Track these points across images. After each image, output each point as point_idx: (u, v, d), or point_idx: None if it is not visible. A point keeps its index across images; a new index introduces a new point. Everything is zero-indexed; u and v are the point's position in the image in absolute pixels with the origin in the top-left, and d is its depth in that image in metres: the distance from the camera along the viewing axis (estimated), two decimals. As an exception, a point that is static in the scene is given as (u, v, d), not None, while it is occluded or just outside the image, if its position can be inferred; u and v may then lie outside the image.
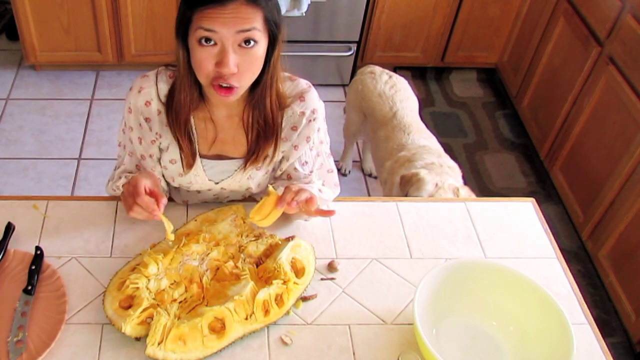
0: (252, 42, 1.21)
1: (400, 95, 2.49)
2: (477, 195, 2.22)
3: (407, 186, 2.16)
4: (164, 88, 1.36)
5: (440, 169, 2.19)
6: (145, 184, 1.32)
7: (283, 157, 1.47)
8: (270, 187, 1.37)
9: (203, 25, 1.18)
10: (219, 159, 1.45)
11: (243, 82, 1.26)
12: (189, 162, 1.42)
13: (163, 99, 1.36)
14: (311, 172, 1.51)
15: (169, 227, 1.34)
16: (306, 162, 1.49)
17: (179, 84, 1.32)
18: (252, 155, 1.42)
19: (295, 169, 1.48)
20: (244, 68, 1.23)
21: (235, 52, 1.20)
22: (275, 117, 1.38)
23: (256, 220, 1.35)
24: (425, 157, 2.26)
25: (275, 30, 1.24)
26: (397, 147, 2.35)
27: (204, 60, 1.22)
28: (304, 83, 1.43)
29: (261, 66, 1.27)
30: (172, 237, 1.35)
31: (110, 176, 1.54)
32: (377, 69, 2.61)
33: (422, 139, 2.36)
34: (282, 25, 1.26)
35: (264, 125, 1.38)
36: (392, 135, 2.39)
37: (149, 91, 1.36)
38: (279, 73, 1.34)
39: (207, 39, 1.19)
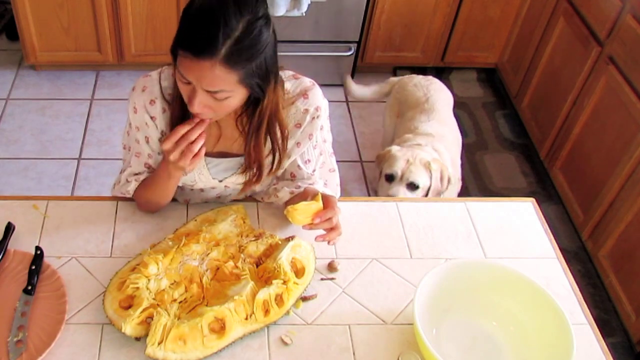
0: (221, 96, 1.21)
1: (435, 87, 2.62)
2: (449, 174, 2.29)
3: (382, 163, 2.26)
4: (167, 86, 1.36)
5: (417, 147, 2.28)
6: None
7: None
8: (320, 196, 1.37)
9: (179, 69, 1.20)
10: (222, 156, 1.45)
11: (214, 117, 1.29)
12: None
13: (167, 97, 1.36)
14: (314, 170, 1.51)
15: None
16: (309, 160, 1.49)
17: (173, 97, 1.34)
18: (250, 168, 1.42)
19: (298, 166, 1.48)
20: (214, 108, 1.25)
21: (204, 96, 1.21)
22: (260, 156, 1.38)
23: (294, 214, 1.34)
24: (418, 139, 2.35)
25: (257, 88, 1.24)
26: (412, 128, 2.45)
27: (182, 91, 1.25)
28: (307, 81, 1.43)
29: (234, 108, 1.27)
30: None
31: (116, 179, 1.53)
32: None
33: (437, 127, 2.44)
34: (274, 77, 1.25)
35: (249, 162, 1.39)
36: (416, 117, 2.50)
37: (153, 90, 1.36)
38: (278, 109, 1.34)
39: (182, 76, 1.21)
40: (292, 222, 1.38)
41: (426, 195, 2.24)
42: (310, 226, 1.36)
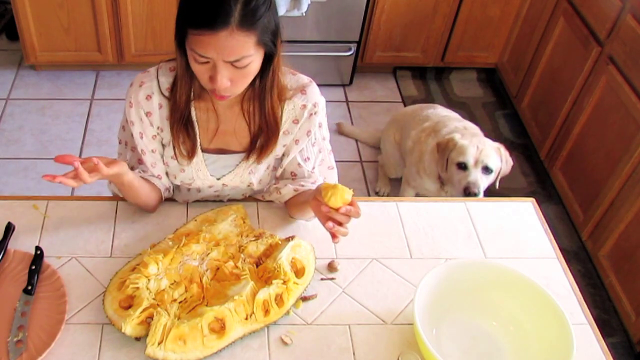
0: (244, 63, 1.22)
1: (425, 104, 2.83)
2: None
3: (446, 152, 2.32)
4: (165, 81, 1.37)
5: (466, 131, 2.41)
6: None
7: (284, 154, 1.47)
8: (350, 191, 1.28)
9: (195, 48, 1.19)
10: (220, 153, 1.45)
11: (236, 91, 1.29)
12: (189, 152, 1.41)
13: (165, 92, 1.37)
14: (314, 168, 1.51)
15: None
16: (308, 158, 1.49)
17: (178, 84, 1.33)
18: (255, 148, 1.42)
19: (298, 164, 1.48)
20: (236, 80, 1.25)
21: (227, 69, 1.22)
22: (277, 114, 1.39)
23: (335, 191, 1.25)
24: (448, 123, 2.49)
25: (271, 44, 1.25)
26: (422, 118, 2.63)
27: (199, 73, 1.25)
28: (305, 78, 1.43)
29: (254, 74, 1.28)
30: None
31: None
32: None
33: (444, 111, 2.65)
34: (280, 32, 1.26)
35: (265, 125, 1.39)
36: (419, 110, 2.70)
37: (150, 85, 1.36)
38: (280, 71, 1.35)
39: (200, 56, 1.21)
40: (324, 195, 1.25)
41: (496, 178, 2.33)
42: (332, 212, 1.25)
